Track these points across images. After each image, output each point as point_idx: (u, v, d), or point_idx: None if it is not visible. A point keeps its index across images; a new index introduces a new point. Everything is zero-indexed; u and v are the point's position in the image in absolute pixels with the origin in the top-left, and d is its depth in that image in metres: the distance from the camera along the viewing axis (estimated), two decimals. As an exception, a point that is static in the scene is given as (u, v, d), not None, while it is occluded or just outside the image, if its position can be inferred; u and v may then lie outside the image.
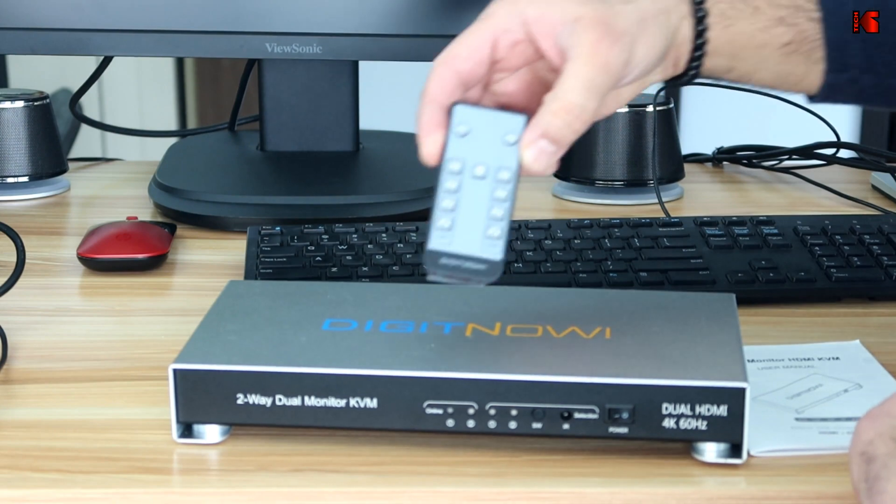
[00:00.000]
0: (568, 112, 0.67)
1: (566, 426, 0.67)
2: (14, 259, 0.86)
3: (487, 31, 0.70)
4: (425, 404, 0.67)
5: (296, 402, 0.68)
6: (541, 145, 0.68)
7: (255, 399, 0.68)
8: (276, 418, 0.68)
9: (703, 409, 0.66)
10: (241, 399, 0.68)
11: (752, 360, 0.79)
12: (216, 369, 0.68)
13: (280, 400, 0.68)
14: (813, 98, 0.78)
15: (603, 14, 0.68)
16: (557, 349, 0.70)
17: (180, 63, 3.00)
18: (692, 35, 0.73)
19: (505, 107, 0.71)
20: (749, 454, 0.67)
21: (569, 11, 0.68)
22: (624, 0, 0.70)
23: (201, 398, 0.68)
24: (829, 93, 0.77)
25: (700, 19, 0.73)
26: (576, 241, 0.97)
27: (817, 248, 0.97)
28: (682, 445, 0.69)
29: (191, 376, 0.68)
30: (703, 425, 0.66)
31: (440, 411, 0.67)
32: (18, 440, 0.70)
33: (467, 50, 0.69)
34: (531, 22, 0.69)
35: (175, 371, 0.68)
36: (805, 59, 0.75)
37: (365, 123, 1.25)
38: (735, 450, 0.67)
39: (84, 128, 2.12)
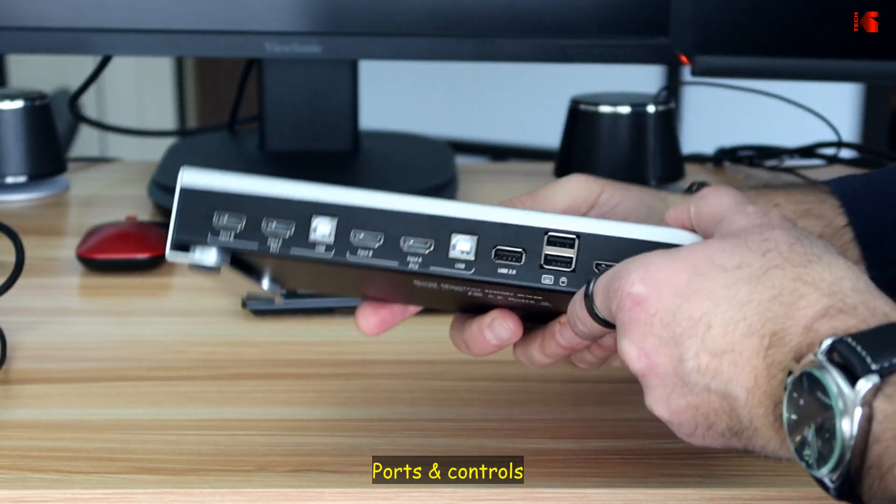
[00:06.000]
0: None
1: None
2: (13, 259, 0.86)
3: None
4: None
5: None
6: None
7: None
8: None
9: None
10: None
11: None
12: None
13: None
14: None
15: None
16: None
17: (180, 63, 3.00)
18: None
19: None
20: None
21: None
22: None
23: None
24: None
25: None
26: (576, 241, 0.97)
27: (818, 247, 0.96)
28: (681, 445, 0.69)
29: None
30: None
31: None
32: (18, 440, 0.70)
33: None
34: None
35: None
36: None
37: (365, 123, 1.25)
38: None
39: (83, 127, 2.12)
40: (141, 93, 2.95)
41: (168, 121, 2.97)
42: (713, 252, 0.57)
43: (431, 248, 0.62)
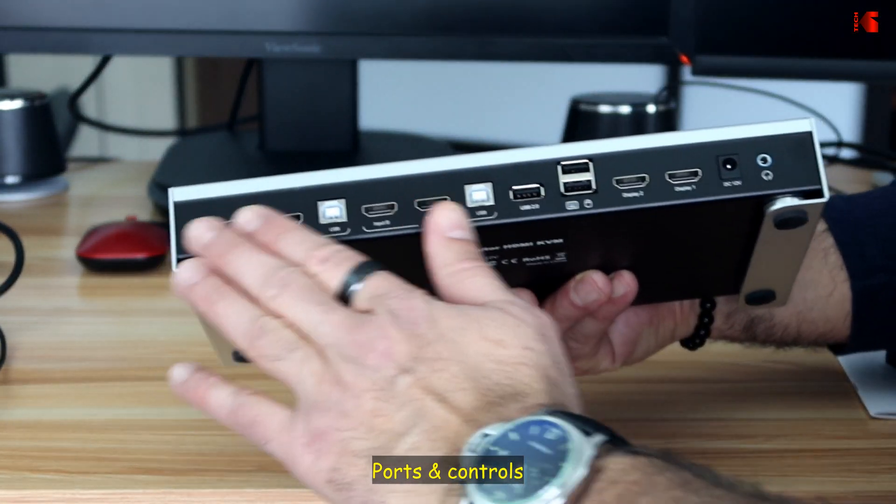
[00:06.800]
0: None
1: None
2: (13, 259, 0.86)
3: None
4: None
5: None
6: None
7: None
8: None
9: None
10: None
11: None
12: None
13: None
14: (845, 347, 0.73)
15: None
16: None
17: (180, 62, 3.00)
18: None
19: None
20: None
21: None
22: None
23: None
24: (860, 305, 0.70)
25: None
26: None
27: (818, 247, 0.96)
28: (682, 446, 0.68)
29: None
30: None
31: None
32: (18, 440, 0.70)
33: None
34: None
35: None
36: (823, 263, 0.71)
37: (365, 123, 1.25)
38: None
39: (83, 127, 2.12)
40: (141, 93, 2.94)
41: (168, 121, 2.97)
42: None
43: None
